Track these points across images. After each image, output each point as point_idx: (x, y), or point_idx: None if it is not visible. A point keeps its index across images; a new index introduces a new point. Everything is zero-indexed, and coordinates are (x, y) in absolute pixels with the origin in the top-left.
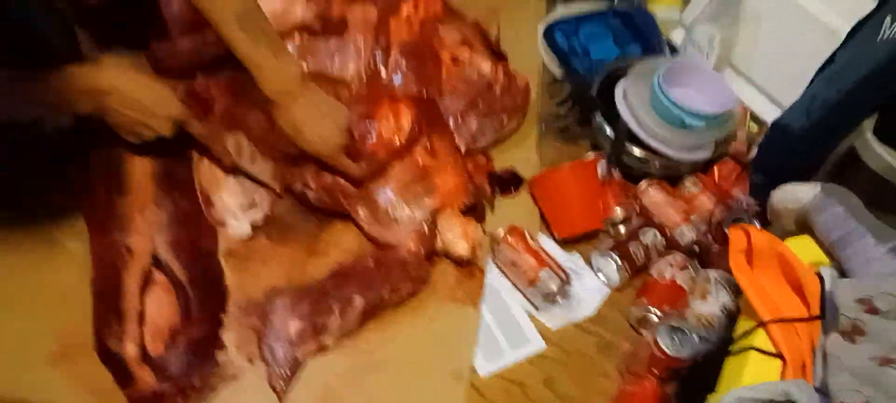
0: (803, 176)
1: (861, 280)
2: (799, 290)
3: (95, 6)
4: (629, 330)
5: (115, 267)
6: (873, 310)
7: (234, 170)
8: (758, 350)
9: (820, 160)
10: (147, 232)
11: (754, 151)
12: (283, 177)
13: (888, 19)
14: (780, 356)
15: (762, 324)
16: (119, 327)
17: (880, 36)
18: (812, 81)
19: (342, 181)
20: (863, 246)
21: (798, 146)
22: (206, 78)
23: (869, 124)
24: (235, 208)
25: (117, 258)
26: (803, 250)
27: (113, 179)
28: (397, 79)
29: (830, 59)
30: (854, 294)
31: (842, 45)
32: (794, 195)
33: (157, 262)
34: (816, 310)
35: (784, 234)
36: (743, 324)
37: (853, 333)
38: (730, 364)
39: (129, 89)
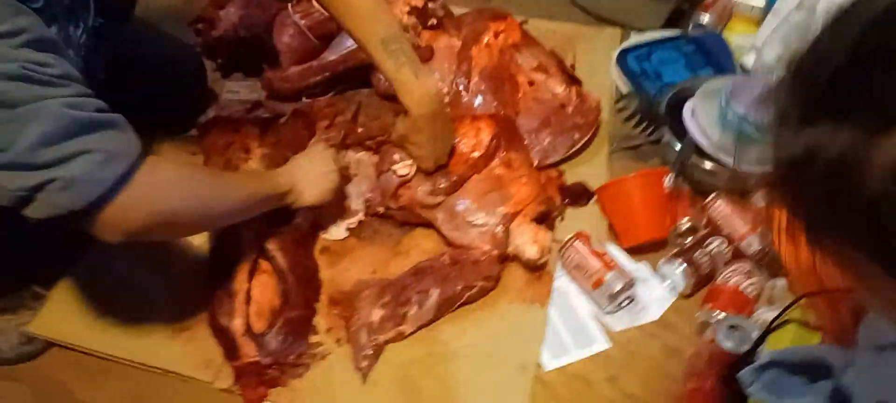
0: None
1: None
2: None
3: (219, 38)
4: (695, 337)
5: (229, 256)
6: None
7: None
8: (798, 322)
9: None
10: (259, 229)
11: None
12: (368, 203)
13: None
14: (819, 328)
15: (803, 296)
16: (229, 305)
17: None
18: None
19: (420, 196)
20: None
21: None
22: (310, 100)
23: None
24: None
25: (232, 248)
26: None
27: None
28: (477, 101)
29: None
30: None
31: None
32: None
33: (264, 253)
34: None
35: None
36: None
37: None
38: (771, 339)
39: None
